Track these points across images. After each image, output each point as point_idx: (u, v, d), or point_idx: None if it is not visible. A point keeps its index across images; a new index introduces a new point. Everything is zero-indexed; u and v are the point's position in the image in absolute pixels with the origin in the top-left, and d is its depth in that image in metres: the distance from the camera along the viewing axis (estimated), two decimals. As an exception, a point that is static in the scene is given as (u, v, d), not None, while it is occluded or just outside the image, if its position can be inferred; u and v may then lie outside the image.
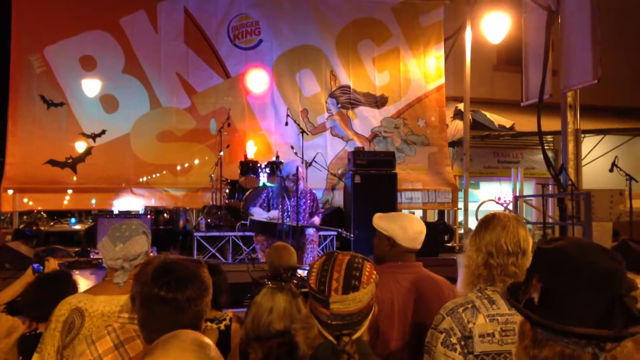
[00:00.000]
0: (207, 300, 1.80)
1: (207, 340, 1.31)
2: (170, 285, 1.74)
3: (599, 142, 12.63)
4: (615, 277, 1.19)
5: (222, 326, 2.99)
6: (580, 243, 1.27)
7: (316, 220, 6.92)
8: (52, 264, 3.60)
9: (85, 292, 2.51)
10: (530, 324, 1.25)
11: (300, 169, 6.63)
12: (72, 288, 3.08)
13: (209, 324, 3.02)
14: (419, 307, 2.67)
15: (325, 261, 1.77)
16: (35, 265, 3.54)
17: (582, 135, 10.41)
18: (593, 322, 1.16)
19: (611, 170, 8.66)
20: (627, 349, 1.18)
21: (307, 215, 6.73)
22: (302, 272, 4.46)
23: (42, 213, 18.50)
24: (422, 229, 2.80)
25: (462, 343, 2.00)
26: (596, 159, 12.00)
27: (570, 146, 8.79)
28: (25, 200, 10.01)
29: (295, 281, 3.59)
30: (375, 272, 1.77)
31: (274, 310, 2.63)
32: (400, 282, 2.71)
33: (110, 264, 2.42)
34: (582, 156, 10.10)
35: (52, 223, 22.10)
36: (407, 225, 2.76)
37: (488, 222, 2.20)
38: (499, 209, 12.47)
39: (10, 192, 9.72)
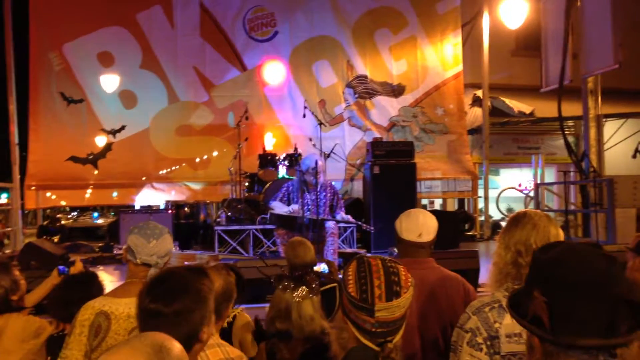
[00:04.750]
0: (202, 312, 1.71)
1: (171, 345, 1.24)
2: (158, 297, 1.69)
3: (621, 126, 12.44)
4: (613, 280, 1.20)
5: (225, 323, 3.03)
6: (576, 250, 1.26)
7: (349, 217, 6.93)
8: (78, 266, 3.65)
9: (107, 295, 2.52)
10: (539, 340, 1.25)
11: (319, 162, 6.61)
12: (99, 289, 3.12)
13: None
14: (426, 303, 2.65)
15: (359, 267, 1.74)
16: (61, 267, 3.58)
17: (604, 120, 10.27)
18: (600, 330, 1.17)
19: (634, 156, 8.53)
20: (635, 349, 1.19)
21: (327, 208, 6.73)
22: (318, 267, 4.46)
23: (65, 207, 18.76)
24: (418, 221, 2.77)
25: (488, 343, 1.97)
26: (618, 143, 11.83)
27: (592, 132, 8.69)
28: (48, 194, 10.15)
29: (309, 281, 3.60)
30: (409, 275, 1.77)
31: (276, 309, 2.67)
32: None
33: (145, 259, 2.42)
34: (604, 141, 9.97)
35: (75, 217, 22.41)
36: (403, 218, 2.80)
37: (518, 219, 2.16)
38: (519, 196, 12.38)
39: (33, 189, 9.86)
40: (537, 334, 1.25)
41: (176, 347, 1.26)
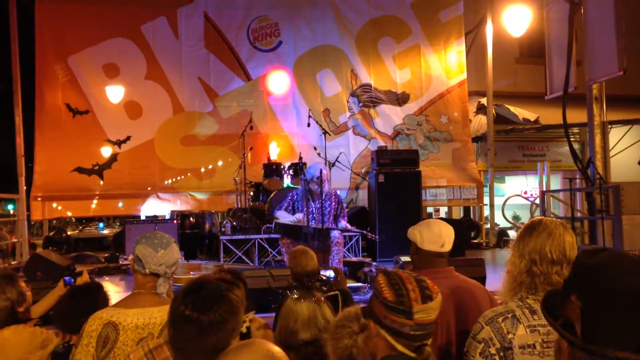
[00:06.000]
0: (233, 324, 1.77)
1: (275, 351, 1.35)
2: (195, 305, 1.74)
3: (627, 132, 12.41)
4: None
5: (244, 329, 3.04)
6: (621, 261, 1.23)
7: (347, 225, 6.91)
8: (84, 277, 3.65)
9: (115, 306, 2.52)
10: (568, 344, 1.24)
11: (324, 171, 6.60)
12: (104, 300, 3.11)
13: None
14: (458, 312, 2.65)
15: (388, 276, 1.78)
16: (67, 278, 3.59)
17: (609, 126, 10.25)
18: (633, 344, 1.14)
19: (640, 162, 8.51)
20: None
21: (332, 217, 6.72)
22: (324, 274, 4.45)
23: (71, 218, 18.80)
24: (441, 231, 2.76)
25: (502, 354, 1.96)
26: (624, 150, 11.80)
27: (597, 139, 8.66)
28: (54, 205, 10.18)
29: (320, 285, 3.58)
30: (435, 284, 1.80)
31: (298, 320, 2.61)
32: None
33: (154, 269, 2.43)
34: (610, 147, 9.95)
35: (80, 227, 22.46)
36: (423, 229, 2.78)
37: (533, 227, 2.13)
38: (525, 203, 12.34)
39: (39, 200, 9.89)
40: (567, 339, 1.23)
41: (278, 351, 1.37)
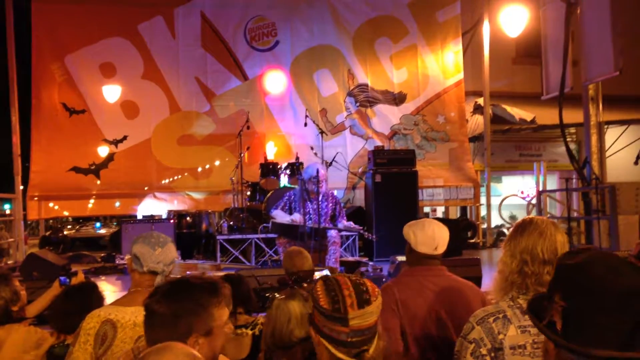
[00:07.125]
0: (193, 320, 1.73)
1: (198, 356, 1.35)
2: (157, 297, 1.77)
3: (623, 132, 12.42)
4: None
5: (257, 331, 3.06)
6: (605, 259, 1.22)
7: (350, 223, 6.90)
8: (79, 276, 3.65)
9: (113, 304, 2.53)
10: (553, 344, 1.23)
11: (321, 171, 6.58)
12: (98, 299, 3.12)
13: (243, 330, 3.07)
14: (446, 309, 2.66)
15: (326, 283, 1.74)
16: (62, 278, 3.59)
17: (605, 126, 10.26)
18: (616, 343, 1.14)
19: (636, 163, 8.51)
20: None
21: (328, 218, 6.71)
22: (318, 274, 4.45)
23: (68, 217, 18.79)
24: (434, 234, 2.77)
25: (492, 355, 1.95)
26: (620, 150, 11.81)
27: (594, 139, 8.67)
28: (51, 205, 10.18)
29: (305, 285, 3.58)
30: (376, 286, 1.76)
31: (292, 319, 2.60)
32: (425, 285, 2.72)
33: (152, 267, 2.44)
34: (606, 147, 9.96)
35: (77, 227, 22.38)
36: (417, 230, 2.78)
37: (524, 227, 2.12)
38: (522, 203, 12.36)
39: (35, 199, 9.88)
40: (552, 339, 1.23)
41: (198, 356, 1.36)
